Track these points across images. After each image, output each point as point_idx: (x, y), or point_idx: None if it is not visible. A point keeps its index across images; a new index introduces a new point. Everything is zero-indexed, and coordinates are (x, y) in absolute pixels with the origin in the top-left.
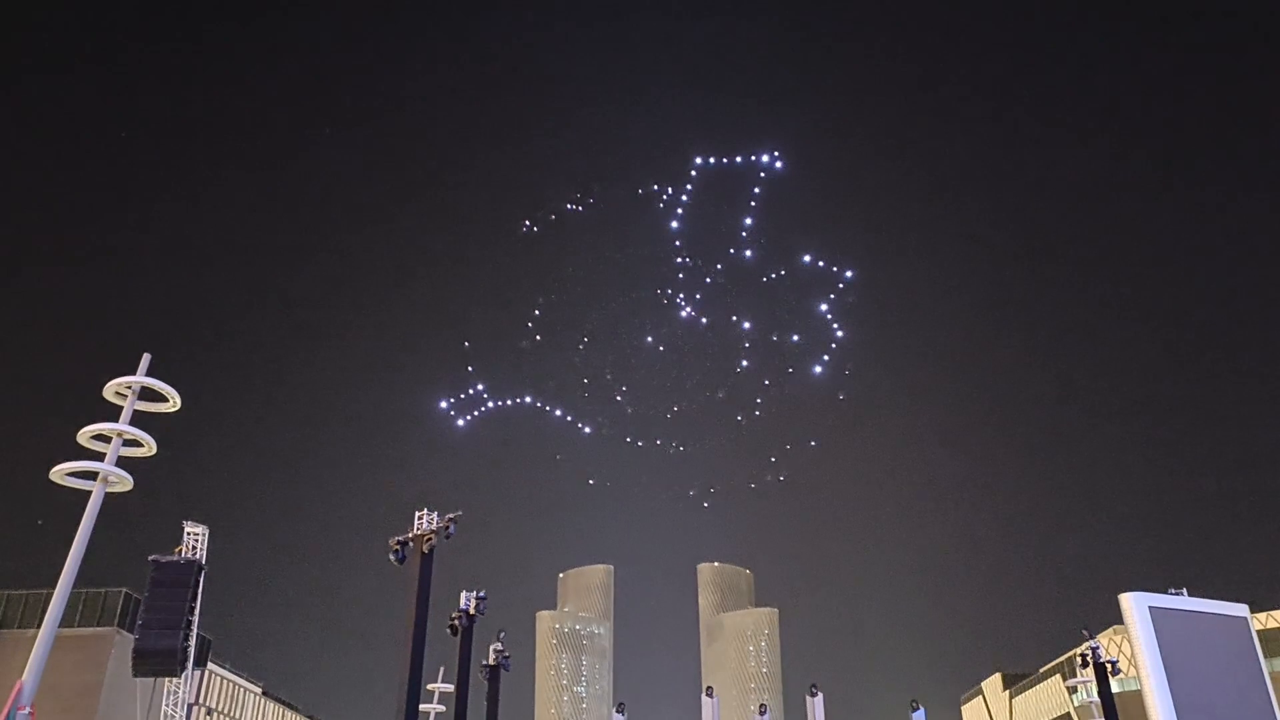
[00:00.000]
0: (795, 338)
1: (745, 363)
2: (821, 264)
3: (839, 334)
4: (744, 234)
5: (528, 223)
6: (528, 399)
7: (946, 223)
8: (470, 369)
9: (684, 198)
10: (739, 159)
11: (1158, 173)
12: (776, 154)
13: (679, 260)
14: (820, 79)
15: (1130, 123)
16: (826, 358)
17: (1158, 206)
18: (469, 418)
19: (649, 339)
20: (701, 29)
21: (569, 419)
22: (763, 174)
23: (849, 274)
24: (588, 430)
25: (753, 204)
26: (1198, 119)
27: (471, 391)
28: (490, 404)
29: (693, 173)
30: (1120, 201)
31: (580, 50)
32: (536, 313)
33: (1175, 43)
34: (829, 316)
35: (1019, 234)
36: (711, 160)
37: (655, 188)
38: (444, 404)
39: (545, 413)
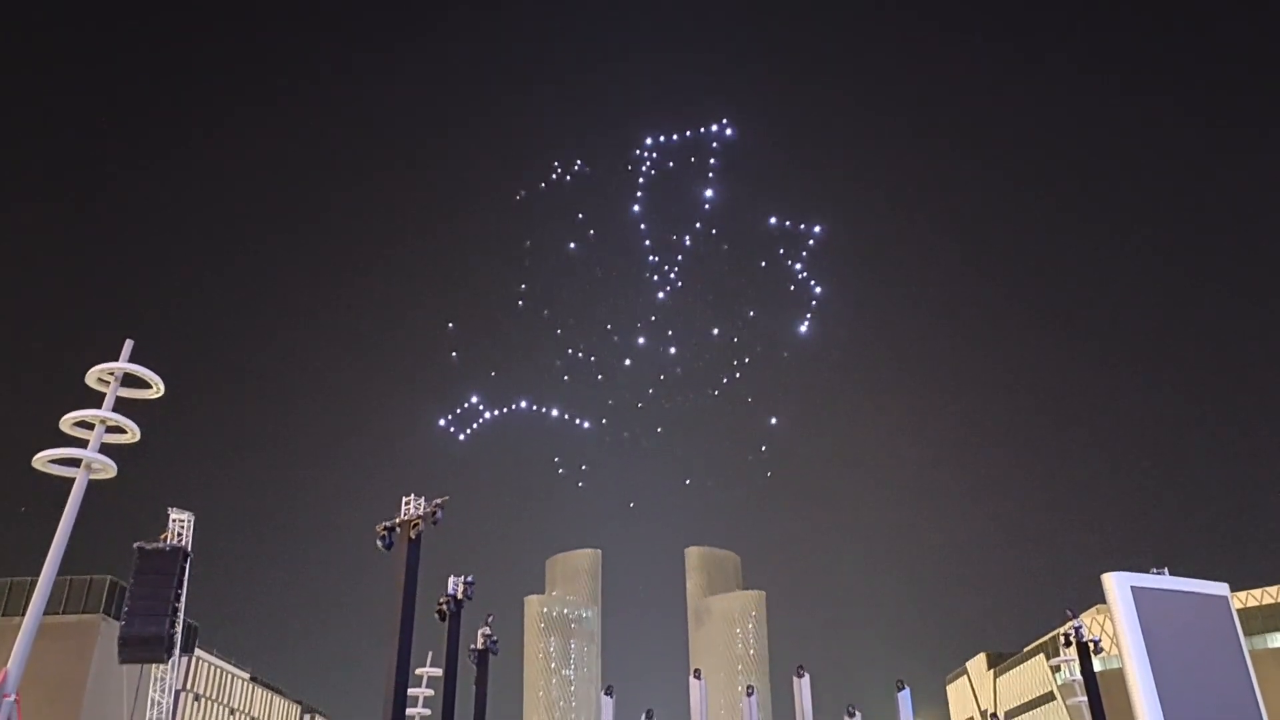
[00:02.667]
0: (774, 303)
1: (737, 340)
2: (788, 224)
3: (817, 290)
4: (706, 206)
5: (521, 192)
6: (523, 404)
7: (921, 172)
8: (454, 354)
9: (641, 179)
10: (689, 133)
11: (1150, 116)
12: (726, 121)
13: (646, 242)
14: (771, 35)
15: (1113, 59)
16: (810, 316)
17: (1148, 173)
18: (469, 431)
19: (638, 324)
20: None
21: (566, 416)
22: (715, 144)
23: (817, 229)
24: (586, 425)
25: (710, 175)
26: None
27: (467, 405)
28: (487, 414)
29: (646, 153)
30: (1107, 156)
31: (518, 27)
32: (520, 300)
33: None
34: (804, 274)
35: (999, 190)
36: (663, 138)
37: (629, 167)
38: (442, 421)
39: (543, 414)
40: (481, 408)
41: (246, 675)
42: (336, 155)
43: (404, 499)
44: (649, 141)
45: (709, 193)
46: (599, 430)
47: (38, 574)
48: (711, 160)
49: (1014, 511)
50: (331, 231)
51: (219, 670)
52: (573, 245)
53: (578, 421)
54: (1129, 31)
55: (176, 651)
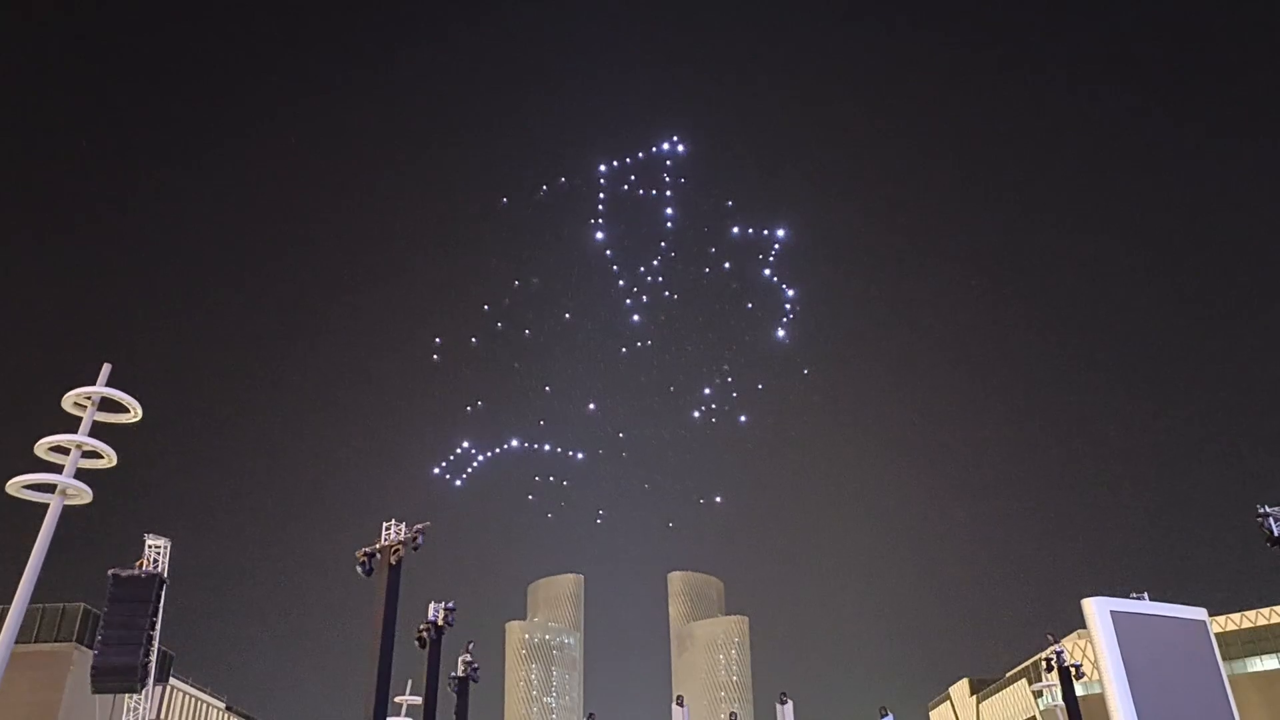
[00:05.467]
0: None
1: (717, 378)
2: (750, 230)
3: (790, 293)
4: (669, 224)
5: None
6: (514, 442)
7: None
8: (435, 357)
9: (600, 206)
10: (640, 154)
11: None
12: (676, 138)
13: (615, 267)
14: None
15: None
16: (785, 320)
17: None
18: (464, 476)
19: (622, 349)
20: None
21: (558, 450)
22: (669, 161)
23: (780, 232)
24: (580, 456)
25: (669, 193)
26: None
27: (460, 451)
28: (480, 457)
29: (601, 181)
30: (1078, 142)
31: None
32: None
33: None
34: (774, 279)
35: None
36: (616, 163)
37: (598, 194)
38: (436, 470)
39: (533, 449)
40: (474, 451)
41: (222, 705)
42: (320, 182)
43: (385, 524)
44: (602, 168)
45: (669, 210)
46: (587, 457)
47: (9, 602)
48: (666, 178)
49: (996, 537)
50: (312, 256)
51: (194, 700)
52: (516, 282)
53: (570, 453)
54: (1101, 26)
55: (150, 681)
